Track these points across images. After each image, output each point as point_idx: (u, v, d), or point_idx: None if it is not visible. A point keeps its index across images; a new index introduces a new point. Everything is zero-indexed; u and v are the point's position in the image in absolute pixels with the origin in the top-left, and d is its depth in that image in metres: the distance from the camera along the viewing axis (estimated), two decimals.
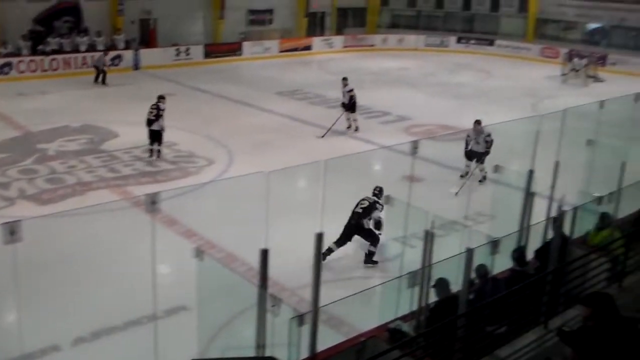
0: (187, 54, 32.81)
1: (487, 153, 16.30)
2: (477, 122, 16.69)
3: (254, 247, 6.59)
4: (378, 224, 12.07)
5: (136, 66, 31.23)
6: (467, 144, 16.72)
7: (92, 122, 21.41)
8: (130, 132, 19.73)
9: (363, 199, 12.28)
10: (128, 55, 31.18)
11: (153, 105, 18.08)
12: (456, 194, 15.33)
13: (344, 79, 22.29)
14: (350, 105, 21.50)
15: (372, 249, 12.06)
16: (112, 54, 30.51)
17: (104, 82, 28.42)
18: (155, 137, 17.89)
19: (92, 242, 12.55)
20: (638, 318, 5.52)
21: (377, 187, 12.61)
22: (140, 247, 9.89)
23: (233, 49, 35.02)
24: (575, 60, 33.15)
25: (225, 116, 23.05)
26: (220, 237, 12.60)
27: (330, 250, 11.80)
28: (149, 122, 17.84)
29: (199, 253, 7.39)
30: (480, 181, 16.35)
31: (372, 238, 12.06)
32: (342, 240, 12.03)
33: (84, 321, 9.76)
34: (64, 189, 15.47)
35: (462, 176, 16.51)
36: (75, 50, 30.60)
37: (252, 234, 8.47)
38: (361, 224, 12.01)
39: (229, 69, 32.22)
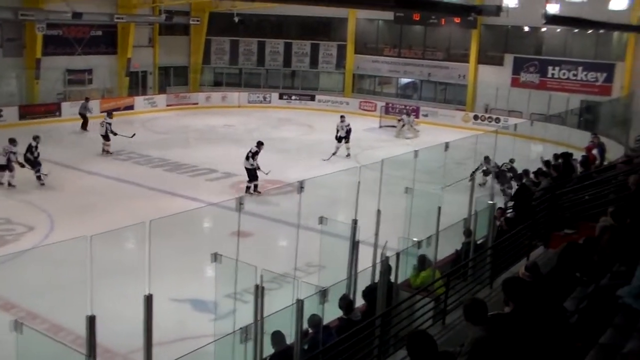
0: (0, 116, 31.31)
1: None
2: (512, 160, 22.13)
3: (80, 314, 6.37)
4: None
5: None
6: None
7: None
8: None
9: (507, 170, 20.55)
10: None
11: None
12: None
13: (342, 116, 29.08)
14: (347, 137, 27.49)
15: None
16: None
17: (85, 128, 31.22)
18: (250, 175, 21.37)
19: None
20: (456, 352, 5.85)
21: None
22: None
23: (51, 110, 33.75)
24: (405, 117, 34.97)
25: (45, 180, 22.12)
26: (42, 307, 12.00)
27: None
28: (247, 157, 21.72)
29: (18, 325, 7.02)
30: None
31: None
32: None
33: None
34: None
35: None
36: None
37: (77, 302, 8.16)
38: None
39: (48, 131, 30.84)
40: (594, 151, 22.56)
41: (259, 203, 18.86)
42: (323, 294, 8.80)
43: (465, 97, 38.98)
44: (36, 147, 22.04)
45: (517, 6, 25.11)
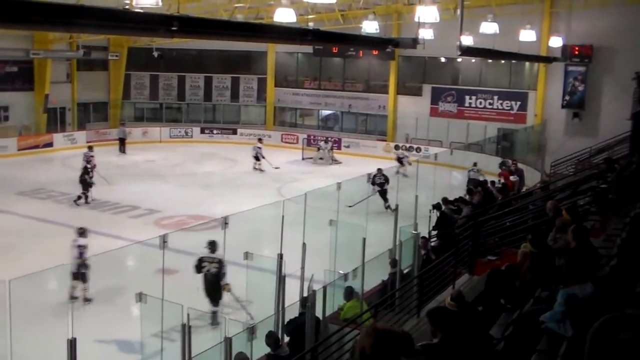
0: None
1: None
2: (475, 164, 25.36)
3: None
4: None
5: None
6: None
7: None
8: None
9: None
10: None
11: None
12: None
13: (326, 140, 35.64)
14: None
15: None
16: None
17: (124, 150, 36.35)
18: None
19: None
20: None
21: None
22: None
23: None
24: (322, 144, 35.86)
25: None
26: None
27: None
28: None
29: None
30: None
31: None
32: None
33: None
34: None
35: None
36: None
37: None
38: None
39: None
40: (512, 178, 23.20)
41: (185, 239, 18.59)
42: (251, 330, 8.76)
43: (386, 127, 39.55)
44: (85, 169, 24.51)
45: (432, 38, 25.71)
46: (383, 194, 23.57)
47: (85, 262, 14.32)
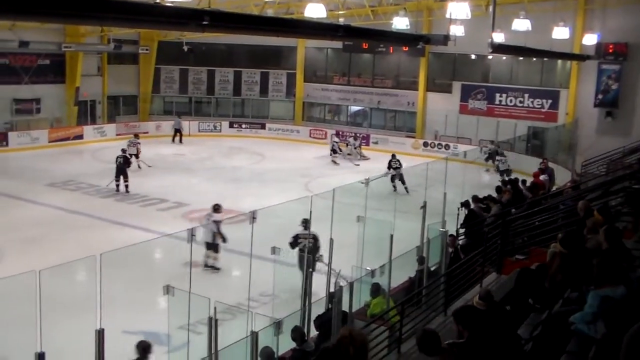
0: None
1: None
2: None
3: (28, 351, 6.21)
4: None
5: None
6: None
7: None
8: None
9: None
10: None
11: None
12: None
13: (355, 136, 36.90)
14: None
15: None
16: None
17: (181, 141, 37.93)
18: None
19: None
20: None
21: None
22: None
23: None
24: (351, 140, 35.98)
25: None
26: None
27: None
28: None
29: None
30: None
31: None
32: None
33: None
34: None
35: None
36: None
37: (25, 338, 7.96)
38: None
39: None
40: (542, 177, 22.96)
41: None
42: (277, 325, 8.76)
43: (415, 124, 39.35)
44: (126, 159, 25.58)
45: (463, 35, 25.53)
46: (400, 177, 26.11)
47: (221, 234, 16.69)
